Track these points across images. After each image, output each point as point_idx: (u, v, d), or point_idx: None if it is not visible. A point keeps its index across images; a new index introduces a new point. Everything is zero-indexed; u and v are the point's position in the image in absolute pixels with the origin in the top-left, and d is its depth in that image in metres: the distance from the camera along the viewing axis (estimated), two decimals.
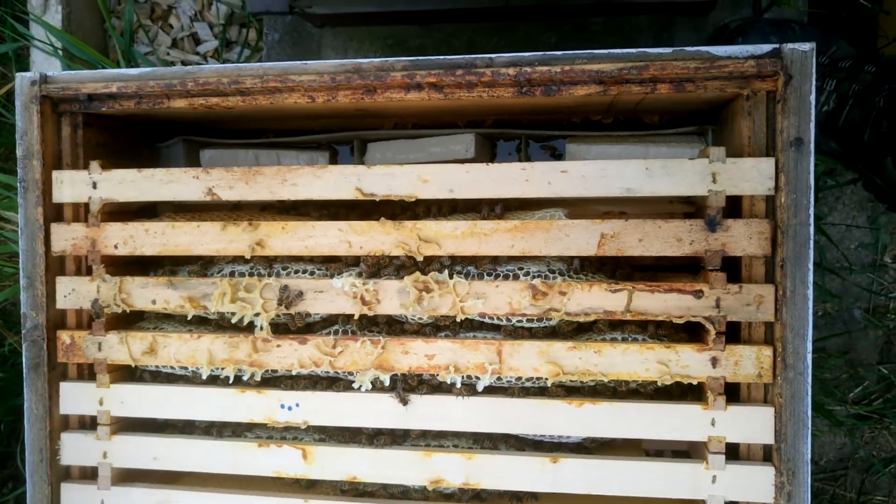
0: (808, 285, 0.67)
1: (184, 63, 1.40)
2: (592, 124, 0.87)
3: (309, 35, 1.28)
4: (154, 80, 0.76)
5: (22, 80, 0.77)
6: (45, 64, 1.35)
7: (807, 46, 0.66)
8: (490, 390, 0.74)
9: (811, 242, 0.67)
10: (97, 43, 1.42)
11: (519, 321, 0.73)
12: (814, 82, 0.66)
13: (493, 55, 0.70)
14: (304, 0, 1.11)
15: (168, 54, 1.41)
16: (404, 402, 0.73)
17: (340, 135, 0.89)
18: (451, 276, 0.72)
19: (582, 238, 0.70)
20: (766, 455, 0.70)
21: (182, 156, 0.91)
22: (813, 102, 0.66)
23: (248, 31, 1.37)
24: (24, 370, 0.77)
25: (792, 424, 0.68)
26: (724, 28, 1.07)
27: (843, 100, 0.97)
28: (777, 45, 0.67)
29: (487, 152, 0.87)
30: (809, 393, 0.67)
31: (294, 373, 0.76)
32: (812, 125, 0.66)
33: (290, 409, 0.75)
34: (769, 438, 0.69)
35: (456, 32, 1.22)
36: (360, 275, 0.74)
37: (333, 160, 0.90)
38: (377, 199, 0.73)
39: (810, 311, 0.67)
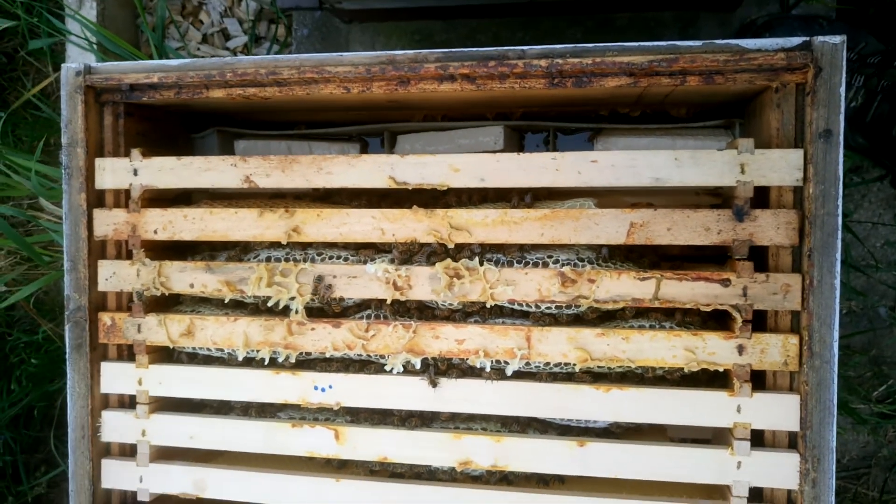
0: (835, 275, 0.68)
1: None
2: (620, 117, 0.88)
3: (337, 30, 1.30)
4: (194, 70, 0.78)
5: (67, 70, 0.79)
6: (80, 58, 1.38)
7: (837, 39, 0.67)
8: (518, 375, 0.76)
9: (839, 232, 0.67)
10: (129, 38, 1.45)
11: (548, 308, 0.74)
12: (844, 74, 0.67)
13: (524, 47, 0.72)
14: None
15: (198, 49, 1.43)
16: (434, 384, 0.75)
17: (371, 126, 0.91)
18: (481, 264, 0.74)
19: (611, 227, 0.71)
20: (792, 442, 0.71)
21: (216, 146, 0.93)
22: (843, 94, 0.67)
23: (276, 27, 1.39)
24: (67, 350, 0.80)
25: (818, 412, 0.69)
26: (751, 24, 1.08)
27: (871, 95, 0.98)
28: (807, 38, 0.68)
29: (515, 144, 0.89)
30: (836, 381, 0.68)
31: (328, 355, 0.78)
32: (841, 117, 0.67)
33: (323, 390, 0.77)
34: (794, 426, 0.70)
35: (481, 28, 1.23)
36: (392, 261, 0.76)
37: (364, 151, 0.92)
38: (409, 188, 0.74)
39: (837, 300, 0.68)
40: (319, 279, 0.75)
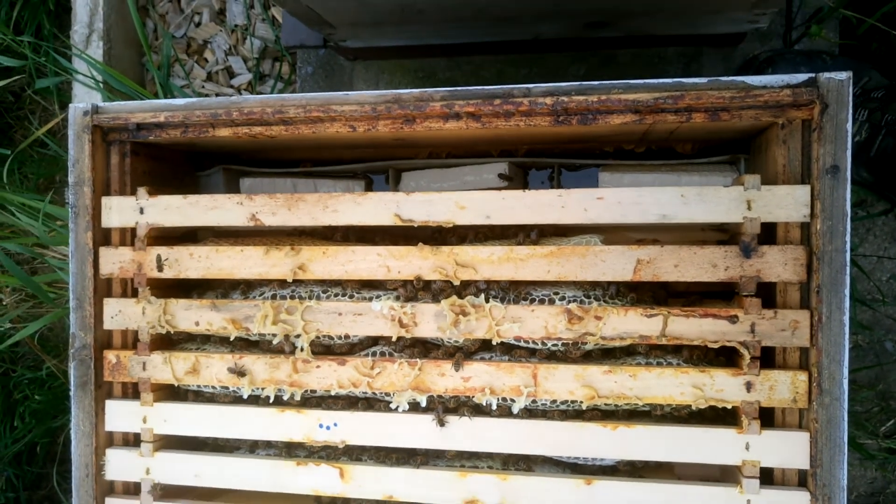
0: (844, 311, 0.67)
1: (218, 96, 1.44)
2: (625, 153, 0.88)
3: (341, 68, 1.31)
4: (200, 109, 0.78)
5: (75, 110, 0.80)
6: (87, 97, 1.39)
7: (843, 75, 0.67)
8: (526, 412, 0.75)
9: (847, 268, 0.67)
10: (135, 77, 1.46)
11: (554, 345, 0.74)
12: (850, 110, 0.67)
13: (530, 85, 0.72)
14: (337, 34, 1.14)
15: (203, 87, 1.45)
16: (441, 422, 0.74)
17: (376, 164, 0.91)
18: (487, 301, 0.73)
19: (618, 263, 0.71)
20: (801, 480, 0.70)
21: (222, 184, 0.94)
22: (849, 131, 0.67)
23: (281, 65, 1.40)
24: (72, 388, 0.80)
25: (828, 450, 0.68)
26: (753, 59, 1.08)
27: (875, 130, 0.98)
28: (813, 75, 0.68)
29: (520, 181, 0.89)
30: (846, 418, 0.67)
31: (333, 393, 0.77)
32: (848, 153, 0.67)
33: (328, 428, 0.76)
34: (804, 463, 0.69)
35: (485, 64, 1.24)
36: (397, 298, 0.75)
37: (369, 189, 0.92)
38: (415, 225, 0.74)
39: (846, 336, 0.67)
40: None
